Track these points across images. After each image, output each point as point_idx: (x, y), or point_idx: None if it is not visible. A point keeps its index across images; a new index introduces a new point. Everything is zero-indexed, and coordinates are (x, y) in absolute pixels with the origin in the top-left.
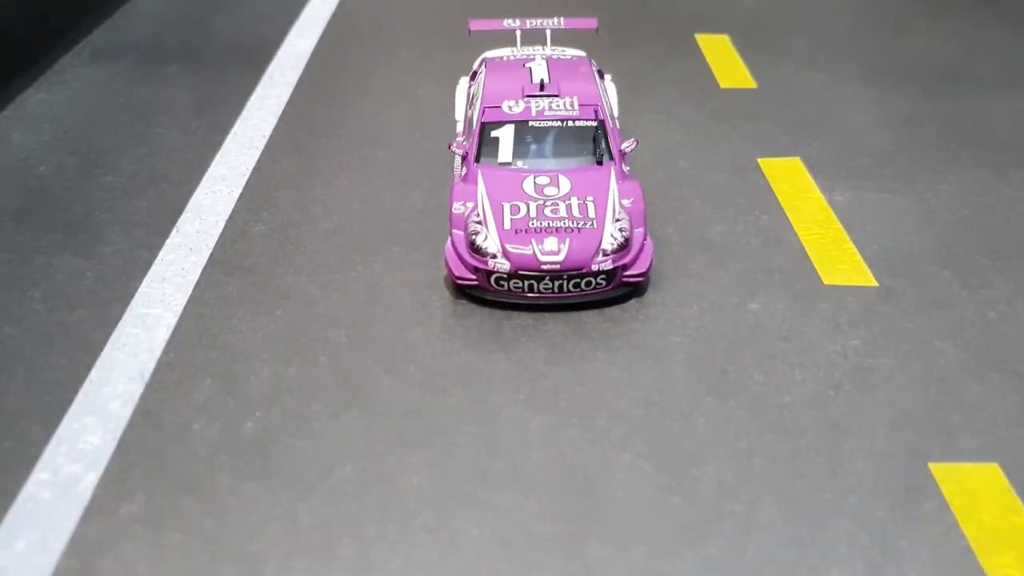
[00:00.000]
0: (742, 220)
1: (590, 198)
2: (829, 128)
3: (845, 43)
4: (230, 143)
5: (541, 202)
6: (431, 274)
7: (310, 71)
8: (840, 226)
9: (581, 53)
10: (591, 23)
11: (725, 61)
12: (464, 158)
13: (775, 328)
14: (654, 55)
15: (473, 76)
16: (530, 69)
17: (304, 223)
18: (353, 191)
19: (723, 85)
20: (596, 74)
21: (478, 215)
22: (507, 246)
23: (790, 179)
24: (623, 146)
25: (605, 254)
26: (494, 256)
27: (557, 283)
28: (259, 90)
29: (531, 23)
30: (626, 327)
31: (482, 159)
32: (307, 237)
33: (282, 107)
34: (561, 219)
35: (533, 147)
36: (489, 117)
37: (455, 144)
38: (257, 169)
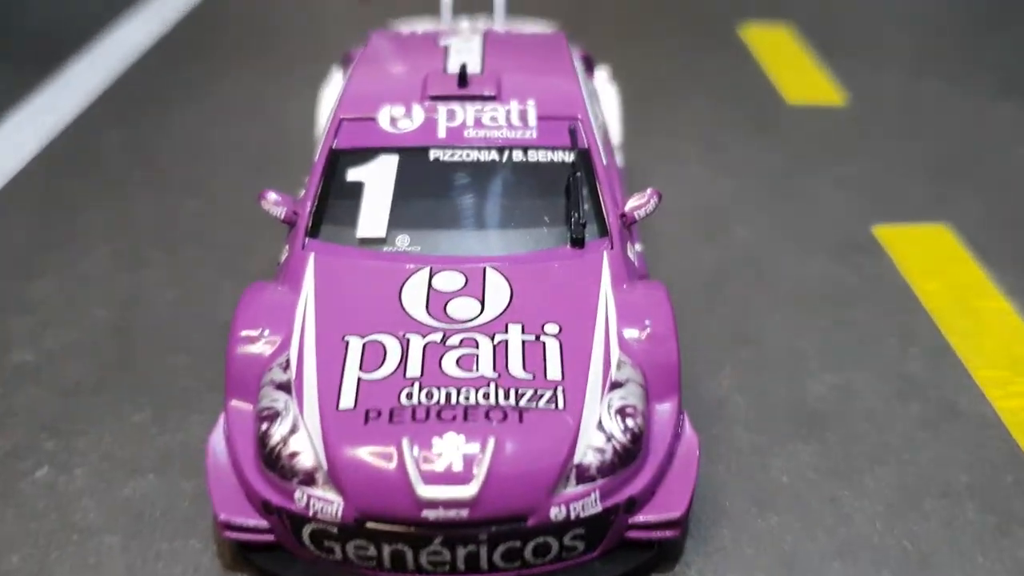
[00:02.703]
0: (869, 358)
1: (552, 329)
2: (988, 174)
3: (968, 37)
4: None
5: (439, 338)
6: (189, 490)
7: (134, 72)
8: None
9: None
10: None
11: (790, 63)
12: (290, 228)
13: None
14: (681, 55)
15: (346, 63)
16: (446, 49)
17: None
18: (112, 280)
19: (792, 100)
20: (578, 63)
21: (285, 364)
22: (344, 451)
23: (941, 269)
24: (629, 205)
25: (585, 477)
26: (309, 478)
27: (465, 550)
28: (38, 100)
29: None
30: None
31: (324, 230)
32: None
33: (61, 126)
34: (480, 383)
35: (436, 207)
36: (347, 140)
37: (272, 196)
38: None
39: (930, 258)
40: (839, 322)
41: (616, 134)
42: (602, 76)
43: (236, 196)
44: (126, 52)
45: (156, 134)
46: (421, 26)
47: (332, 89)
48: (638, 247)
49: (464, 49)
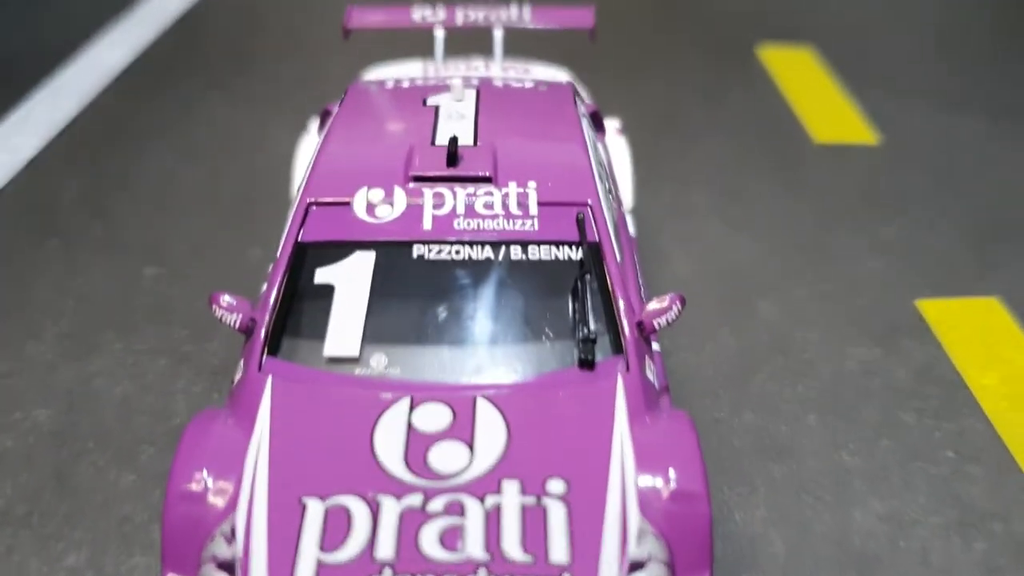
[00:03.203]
0: (922, 477)
1: (557, 488)
2: None
3: (998, 61)
4: None
5: (418, 501)
6: None
7: (100, 104)
8: None
9: (560, 77)
10: (583, 17)
11: (814, 92)
12: (246, 339)
13: None
14: (697, 81)
15: (324, 120)
16: (435, 110)
17: None
18: (57, 369)
19: (820, 138)
20: (585, 122)
21: (230, 534)
22: None
23: (997, 357)
24: (648, 311)
25: None
26: None
27: None
28: None
29: (465, 16)
30: None
31: (286, 345)
32: None
33: (15, 170)
34: (467, 569)
35: (418, 318)
36: (316, 230)
37: (226, 300)
38: None
39: (983, 342)
40: (885, 428)
41: (628, 197)
42: (612, 127)
43: (202, 259)
44: (93, 81)
45: (119, 179)
46: (412, 69)
47: (308, 144)
48: (655, 346)
49: (455, 111)
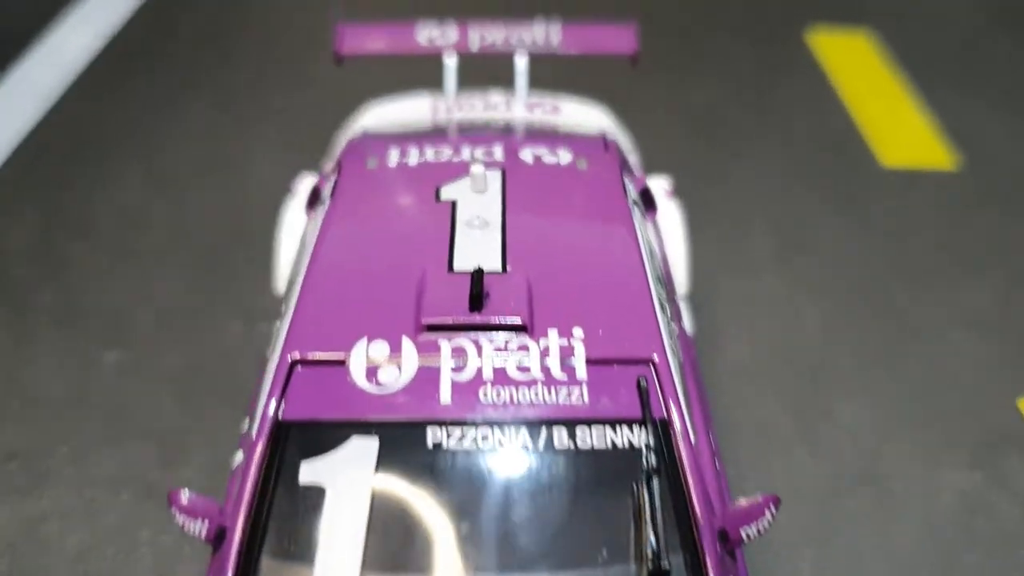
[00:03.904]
0: None
1: None
2: None
3: None
4: None
5: None
6: None
7: (68, 102)
8: None
9: (596, 118)
10: (623, 40)
11: (878, 96)
12: (213, 551)
13: None
14: (735, 83)
15: (313, 201)
16: (451, 209)
17: None
18: None
19: (888, 161)
20: (637, 215)
21: None
22: None
23: None
24: (733, 515)
25: None
26: None
27: None
28: None
29: (479, 37)
30: None
31: (264, 571)
32: None
33: None
34: None
35: (433, 534)
36: (301, 403)
37: (185, 498)
38: None
39: None
40: None
41: (682, 278)
42: (660, 189)
43: (171, 336)
44: (55, 76)
45: (79, 217)
46: (418, 108)
47: (294, 218)
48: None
49: (476, 214)
